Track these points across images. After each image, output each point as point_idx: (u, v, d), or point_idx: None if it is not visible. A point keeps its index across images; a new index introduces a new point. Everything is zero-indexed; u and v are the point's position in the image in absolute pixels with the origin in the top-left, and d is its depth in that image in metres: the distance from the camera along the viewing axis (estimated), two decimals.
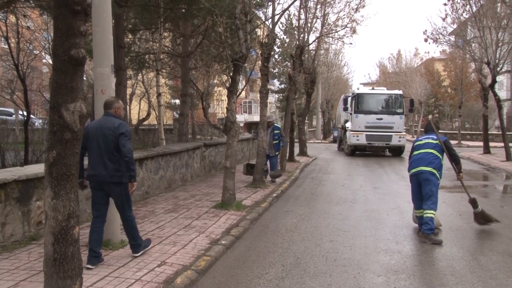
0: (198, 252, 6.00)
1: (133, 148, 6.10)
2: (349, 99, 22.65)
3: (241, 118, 42.87)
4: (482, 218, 7.63)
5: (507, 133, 20.93)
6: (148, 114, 26.26)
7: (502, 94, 39.99)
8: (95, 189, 5.49)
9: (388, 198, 10.61)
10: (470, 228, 7.69)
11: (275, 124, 13.14)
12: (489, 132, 24.56)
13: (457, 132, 34.31)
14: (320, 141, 38.39)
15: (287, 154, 16.82)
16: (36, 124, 20.65)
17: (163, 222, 7.62)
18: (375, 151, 23.09)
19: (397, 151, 22.42)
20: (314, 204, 9.87)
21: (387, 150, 22.91)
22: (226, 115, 9.35)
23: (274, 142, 12.79)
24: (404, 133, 22.29)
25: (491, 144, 23.68)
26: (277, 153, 13.04)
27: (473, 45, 21.96)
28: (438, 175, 7.19)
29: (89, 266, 5.15)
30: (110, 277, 4.92)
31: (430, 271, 5.50)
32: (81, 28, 3.57)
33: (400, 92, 23.38)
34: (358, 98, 22.07)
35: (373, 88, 24.55)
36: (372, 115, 21.61)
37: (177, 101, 27.57)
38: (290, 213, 8.88)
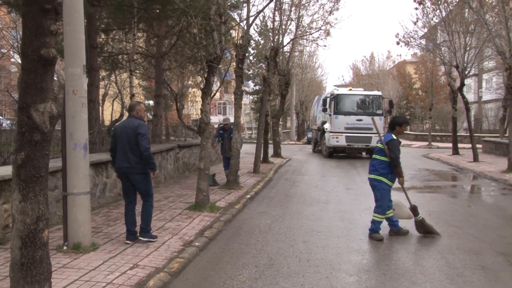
0: (171, 254, 5.96)
1: (106, 150, 6.66)
2: (328, 99, 22.20)
3: (215, 119, 42.81)
4: (421, 227, 7.26)
5: (475, 134, 21.48)
6: (121, 115, 25.91)
7: (470, 96, 41.02)
8: (123, 179, 6.54)
9: (361, 198, 10.75)
10: (439, 227, 7.85)
11: (232, 127, 12.76)
12: (457, 134, 25.14)
13: (427, 133, 35.03)
14: (294, 142, 38.61)
15: (261, 156, 16.87)
16: (4, 125, 20.14)
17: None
18: (353, 152, 22.83)
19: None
20: (288, 205, 9.92)
21: (365, 151, 22.67)
22: (200, 116, 9.32)
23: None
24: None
25: (460, 145, 24.27)
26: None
27: (442, 48, 22.51)
28: (385, 180, 7.15)
29: (128, 241, 6.34)
30: (80, 281, 4.84)
31: (400, 270, 5.60)
32: (52, 27, 3.50)
33: (379, 93, 23.20)
34: (338, 98, 21.65)
35: (350, 89, 24.21)
36: (352, 116, 21.19)
37: (151, 102, 27.30)
38: (264, 214, 8.91)
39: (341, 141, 21.11)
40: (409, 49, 37.23)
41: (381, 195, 7.16)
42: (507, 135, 17.91)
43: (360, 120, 20.97)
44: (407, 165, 18.63)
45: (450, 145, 24.07)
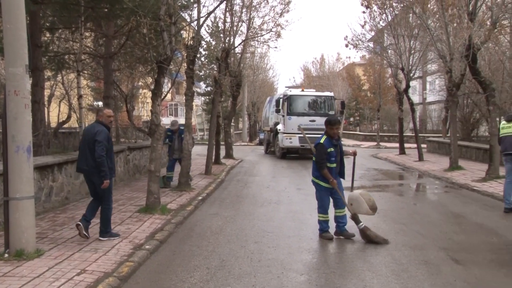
0: (121, 258, 5.85)
1: (52, 153, 6.58)
2: (281, 100, 22.12)
3: (167, 121, 42.25)
4: (364, 237, 6.95)
5: (419, 135, 22.34)
6: (69, 117, 25.10)
7: (415, 98, 42.61)
8: (86, 180, 6.96)
9: (311, 198, 10.83)
10: (386, 225, 8.12)
11: (181, 128, 12.61)
12: (404, 134, 26.06)
13: (376, 134, 36.05)
14: (246, 144, 38.72)
15: (213, 157, 16.82)
16: None
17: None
18: (306, 153, 22.65)
19: None
20: (240, 206, 9.95)
21: None
22: (150, 117, 9.18)
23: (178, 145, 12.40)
24: None
25: (406, 145, 25.16)
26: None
27: (389, 51, 23.28)
28: (319, 181, 7.26)
29: (78, 222, 6.62)
30: None
31: (349, 268, 5.75)
32: None
33: (332, 94, 23.43)
34: (291, 99, 21.68)
35: (303, 90, 24.16)
36: (305, 117, 21.20)
37: (100, 104, 26.61)
38: (216, 216, 8.90)
39: (295, 142, 21.17)
40: (357, 52, 38.42)
41: (319, 196, 7.35)
42: (449, 135, 18.73)
43: (313, 121, 21.01)
44: (357, 165, 19.16)
45: (397, 145, 24.91)
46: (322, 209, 7.28)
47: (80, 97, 15.08)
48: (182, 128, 12.65)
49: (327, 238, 7.10)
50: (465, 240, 7.11)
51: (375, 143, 34.20)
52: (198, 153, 22.00)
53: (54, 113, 29.27)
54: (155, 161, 8.86)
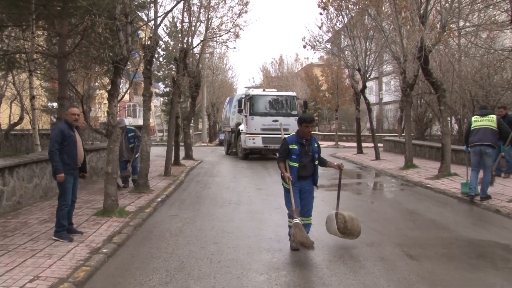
0: (77, 262, 5.71)
1: (3, 155, 6.39)
2: (244, 100, 21.85)
3: (126, 122, 41.48)
4: (292, 234, 6.19)
5: (376, 134, 22.90)
6: (21, 118, 24.24)
7: (372, 98, 43.70)
8: None
9: (271, 198, 11.00)
10: None
11: (128, 127, 12.22)
12: (361, 134, 26.63)
13: (334, 133, 36.67)
14: (206, 144, 38.56)
15: (173, 158, 16.66)
16: None
17: (37, 233, 7.11)
18: (268, 154, 22.70)
19: None
20: (200, 207, 9.90)
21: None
22: (107, 119, 9.00)
23: (130, 145, 11.95)
24: None
25: (364, 144, 25.72)
26: (136, 155, 12.16)
27: (346, 52, 23.73)
28: (282, 181, 6.95)
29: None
30: None
31: (308, 267, 5.83)
32: None
33: (294, 93, 23.38)
34: (253, 99, 21.48)
35: (264, 90, 23.85)
36: (268, 117, 21.12)
37: (55, 105, 25.83)
38: (175, 217, 8.82)
39: (258, 143, 20.94)
40: (315, 53, 38.82)
41: (285, 196, 6.87)
42: (404, 134, 19.29)
43: (276, 121, 20.84)
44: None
45: (355, 144, 25.41)
46: (288, 213, 6.75)
47: (32, 98, 14.61)
48: (129, 127, 12.25)
49: (293, 249, 6.47)
50: (419, 236, 7.34)
51: (333, 143, 34.76)
52: (157, 154, 21.77)
53: (5, 115, 28.14)
54: (112, 163, 8.70)
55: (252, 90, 23.54)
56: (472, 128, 10.03)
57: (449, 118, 18.20)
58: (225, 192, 12.02)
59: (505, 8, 12.53)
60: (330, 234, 6.87)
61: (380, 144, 23.48)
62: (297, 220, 6.26)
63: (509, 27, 10.63)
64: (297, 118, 21.97)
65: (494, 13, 14.73)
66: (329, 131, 46.58)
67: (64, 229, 6.82)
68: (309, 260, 6.10)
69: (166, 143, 16.36)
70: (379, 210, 9.77)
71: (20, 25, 13.93)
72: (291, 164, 6.76)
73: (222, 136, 38.36)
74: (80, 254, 6.06)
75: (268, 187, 12.82)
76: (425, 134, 24.31)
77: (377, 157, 20.18)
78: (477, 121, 9.99)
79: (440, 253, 6.41)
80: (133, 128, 12.56)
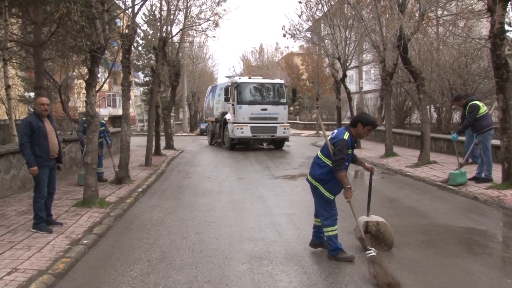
0: (57, 254, 5.64)
1: None
2: (231, 88, 20.84)
3: (105, 112, 40.96)
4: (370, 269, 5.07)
5: None
6: None
7: (352, 87, 43.84)
8: None
9: (253, 188, 11.02)
10: None
11: (102, 121, 11.47)
12: (342, 122, 26.75)
13: (315, 122, 36.82)
14: (187, 134, 38.37)
15: (153, 148, 16.54)
16: None
17: (15, 225, 7.00)
18: (256, 143, 22.31)
19: (279, 143, 21.69)
20: (181, 197, 9.87)
21: (266, 143, 22.30)
22: (85, 109, 8.86)
23: (99, 140, 10.95)
24: (288, 125, 21.63)
25: None
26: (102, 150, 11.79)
27: (326, 41, 23.76)
28: (322, 189, 5.64)
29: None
30: None
31: (289, 256, 5.85)
32: None
33: (282, 81, 22.66)
34: (241, 87, 20.60)
35: (250, 77, 22.67)
36: (256, 106, 20.42)
37: (32, 94, 25.33)
38: (156, 208, 8.77)
39: (246, 132, 20.21)
40: (295, 41, 38.96)
41: (325, 206, 5.70)
42: (384, 123, 19.47)
43: (265, 109, 20.42)
44: (296, 154, 19.53)
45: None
46: (332, 219, 5.67)
47: (8, 87, 14.30)
48: (101, 121, 11.39)
49: (348, 260, 5.55)
50: (399, 223, 7.43)
51: (314, 132, 34.92)
52: (138, 144, 21.58)
53: None
54: (91, 153, 8.59)
55: (239, 78, 22.78)
56: (484, 113, 10.17)
57: (428, 107, 18.41)
58: (206, 182, 11.99)
59: None
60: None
61: None
62: (373, 253, 5.19)
63: (485, 16, 10.74)
64: (285, 106, 21.31)
65: (471, 1, 14.92)
66: (310, 120, 46.75)
67: (43, 221, 6.73)
68: (290, 249, 6.12)
69: (147, 133, 16.21)
70: (360, 198, 9.71)
71: None
72: None
73: (203, 126, 38.09)
74: (59, 246, 5.99)
75: (249, 177, 12.83)
76: (405, 122, 24.58)
77: (358, 146, 20.32)
78: (483, 106, 10.29)
79: (420, 240, 6.51)
80: (104, 122, 12.14)
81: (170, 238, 6.62)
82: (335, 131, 5.92)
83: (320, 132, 34.69)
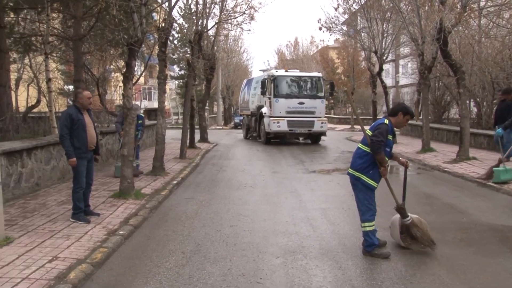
0: (94, 244, 5.76)
1: (21, 137, 6.33)
2: (267, 82, 20.42)
3: (141, 104, 41.67)
4: (407, 232, 5.76)
5: None
6: (38, 101, 24.48)
7: (388, 81, 43.04)
8: None
9: (286, 182, 10.97)
10: None
11: (140, 114, 11.83)
12: (377, 117, 26.31)
13: (350, 117, 36.37)
14: (221, 127, 38.61)
15: (188, 141, 16.70)
16: None
17: (55, 214, 7.19)
18: (293, 138, 21.99)
19: (316, 138, 21.36)
20: (215, 190, 9.92)
21: (303, 137, 21.94)
22: (122, 101, 9.01)
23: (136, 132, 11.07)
24: (326, 119, 21.20)
25: None
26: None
27: (362, 34, 23.34)
28: (365, 177, 5.63)
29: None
30: None
31: (324, 250, 5.79)
32: None
33: (320, 74, 22.17)
34: (278, 80, 20.27)
35: (286, 70, 22.39)
36: (294, 99, 20.06)
37: (71, 87, 25.99)
38: (191, 200, 8.85)
39: (283, 126, 19.87)
40: (331, 35, 38.42)
41: (365, 197, 5.69)
42: (421, 117, 19.02)
43: (302, 103, 20.05)
44: (331, 148, 19.35)
45: None
46: (368, 214, 5.63)
47: (49, 80, 14.68)
48: (140, 114, 11.77)
49: (385, 256, 5.48)
50: (436, 220, 7.24)
51: (349, 126, 34.51)
52: (173, 137, 21.85)
53: (23, 97, 28.49)
54: (128, 146, 8.72)
55: (276, 71, 22.37)
56: None
57: (468, 101, 17.85)
58: (240, 175, 12.02)
59: None
60: (394, 240, 6.00)
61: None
62: (410, 220, 5.76)
63: None
64: (323, 100, 20.82)
65: None
66: (345, 115, 46.20)
67: (81, 211, 6.89)
68: (325, 244, 6.06)
69: (181, 126, 16.37)
70: (395, 194, 9.64)
71: (36, 7, 13.97)
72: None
73: (237, 119, 38.18)
74: (97, 236, 6.11)
75: (283, 170, 12.78)
76: (443, 117, 23.96)
77: (394, 141, 19.91)
78: None
79: (459, 238, 6.32)
80: (143, 116, 12.30)
81: (204, 231, 6.66)
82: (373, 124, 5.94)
83: (356, 126, 34.28)
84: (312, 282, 4.77)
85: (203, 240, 6.20)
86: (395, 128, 5.85)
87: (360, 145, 5.78)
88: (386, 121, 5.64)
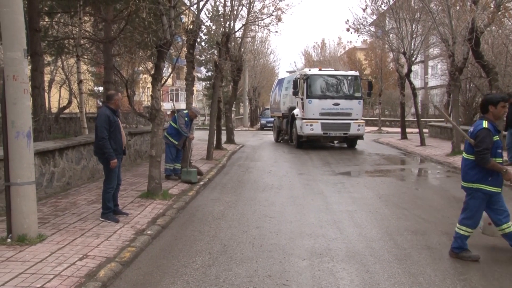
0: (123, 243, 5.85)
1: (53, 138, 6.49)
2: (300, 81, 19.24)
3: (168, 106, 42.18)
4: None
5: (421, 119, 22.26)
6: (70, 102, 25.05)
7: (417, 82, 42.39)
8: None
9: (313, 183, 10.91)
10: (388, 210, 8.11)
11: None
12: (406, 119, 25.97)
13: (377, 119, 35.94)
14: (247, 129, 38.69)
15: (215, 142, 16.80)
16: None
17: (85, 213, 7.33)
18: (328, 142, 20.97)
19: (352, 142, 20.10)
20: (241, 191, 9.94)
21: (338, 141, 20.89)
22: (151, 102, 9.13)
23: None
24: (363, 121, 19.76)
25: (408, 130, 25.10)
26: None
27: (391, 35, 23.05)
28: (484, 186, 5.33)
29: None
30: (26, 274, 4.66)
31: (351, 253, 5.73)
32: None
33: (357, 73, 20.47)
34: (311, 80, 18.89)
35: (320, 69, 20.99)
36: (328, 100, 18.67)
37: (101, 89, 26.49)
38: (217, 201, 8.89)
39: (316, 129, 18.47)
40: (359, 36, 38.13)
41: (475, 204, 5.46)
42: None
43: (337, 104, 18.70)
44: (358, 150, 19.16)
45: (399, 130, 24.84)
46: (472, 221, 5.53)
47: (80, 82, 15.02)
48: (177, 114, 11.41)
49: (474, 259, 5.46)
50: None
51: (376, 128, 34.10)
52: (200, 138, 22.00)
53: (55, 99, 29.21)
54: (156, 146, 8.83)
55: (309, 69, 21.11)
56: None
57: None
58: (266, 177, 12.02)
59: None
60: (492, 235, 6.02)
61: (425, 130, 22.82)
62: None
63: None
64: (360, 101, 19.70)
65: None
66: (372, 116, 45.68)
67: (110, 210, 7.01)
68: (351, 246, 6.00)
69: (208, 127, 16.48)
70: (424, 197, 9.49)
71: (69, 11, 14.31)
72: (496, 160, 5.30)
73: (263, 121, 38.14)
74: (125, 235, 6.21)
75: (310, 172, 12.73)
76: (474, 119, 23.44)
77: (422, 143, 19.64)
78: None
79: (491, 243, 6.16)
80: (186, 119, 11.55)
81: (230, 232, 6.68)
82: (471, 127, 5.64)
83: (383, 128, 33.84)
84: (339, 285, 4.73)
85: (229, 241, 6.23)
86: (497, 122, 5.50)
87: (465, 155, 5.53)
88: (485, 124, 5.29)
